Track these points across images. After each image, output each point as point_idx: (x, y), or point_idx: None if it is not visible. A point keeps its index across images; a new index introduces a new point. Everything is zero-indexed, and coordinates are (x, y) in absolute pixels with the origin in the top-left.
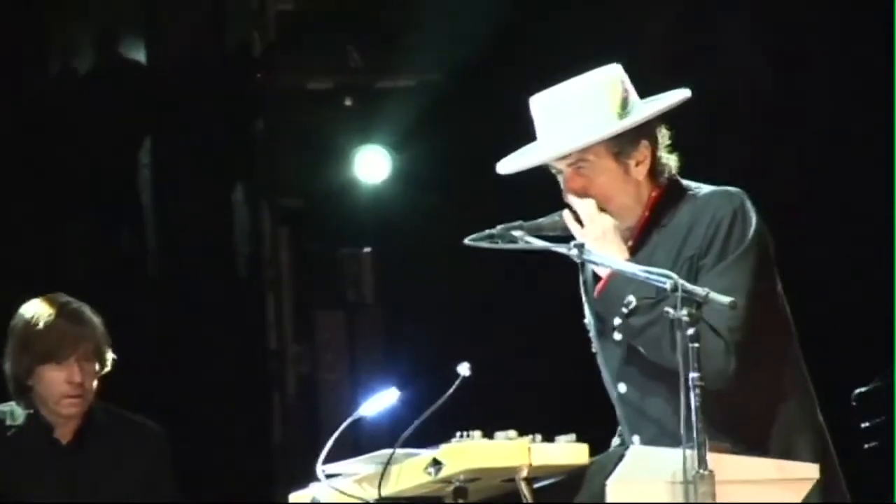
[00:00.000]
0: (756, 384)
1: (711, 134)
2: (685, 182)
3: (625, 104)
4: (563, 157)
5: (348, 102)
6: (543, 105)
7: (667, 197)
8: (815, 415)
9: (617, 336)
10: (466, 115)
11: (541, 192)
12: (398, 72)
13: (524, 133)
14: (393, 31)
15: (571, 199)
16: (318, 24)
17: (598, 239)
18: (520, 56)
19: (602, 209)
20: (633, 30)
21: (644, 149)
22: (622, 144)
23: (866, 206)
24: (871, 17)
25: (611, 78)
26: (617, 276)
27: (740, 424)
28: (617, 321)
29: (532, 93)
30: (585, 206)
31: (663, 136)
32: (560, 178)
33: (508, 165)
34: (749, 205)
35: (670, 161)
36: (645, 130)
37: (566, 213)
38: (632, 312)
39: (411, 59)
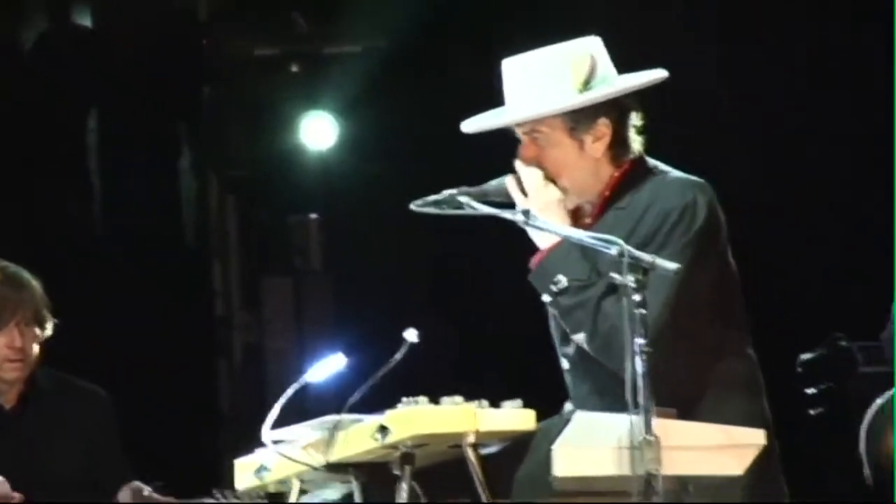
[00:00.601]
0: (694, 371)
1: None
2: (654, 164)
3: (588, 79)
4: (520, 125)
5: (294, 69)
6: (511, 70)
7: (628, 178)
8: (761, 401)
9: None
10: (413, 82)
11: (488, 159)
12: (344, 38)
13: (471, 99)
14: None
15: (519, 167)
16: None
17: (541, 211)
18: (465, 23)
19: (553, 181)
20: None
21: (603, 126)
22: (578, 120)
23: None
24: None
25: (579, 50)
26: (551, 254)
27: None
28: (546, 298)
29: (478, 60)
30: (531, 177)
31: (632, 115)
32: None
33: (469, 125)
34: (704, 199)
35: (636, 142)
36: (606, 108)
37: (509, 180)
38: (561, 292)
39: (357, 25)
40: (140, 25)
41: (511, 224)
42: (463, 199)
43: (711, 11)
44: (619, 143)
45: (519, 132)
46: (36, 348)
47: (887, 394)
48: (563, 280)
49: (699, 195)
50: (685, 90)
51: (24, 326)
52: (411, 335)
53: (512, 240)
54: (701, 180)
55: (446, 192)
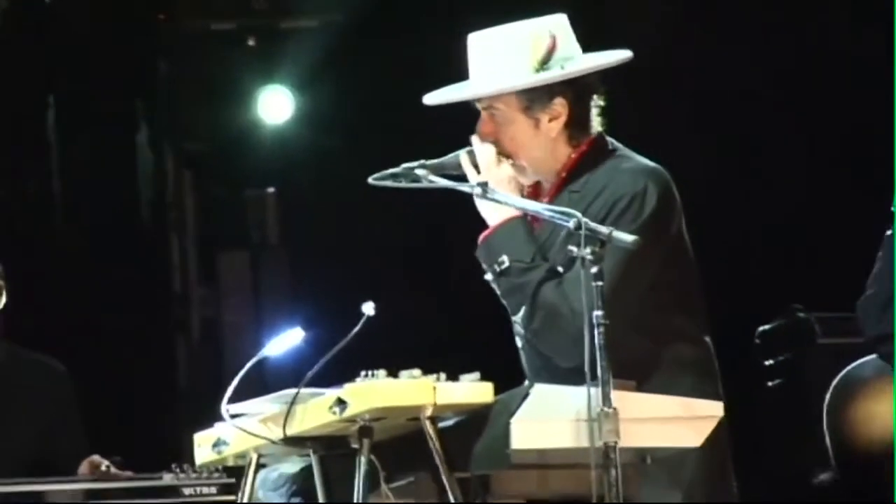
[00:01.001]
0: (643, 359)
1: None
2: (614, 146)
3: (546, 58)
4: (479, 101)
5: (251, 43)
6: (474, 44)
7: (585, 159)
8: (714, 383)
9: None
10: (369, 56)
11: (445, 132)
12: (301, 13)
13: (427, 73)
14: None
15: (475, 142)
16: None
17: (494, 188)
18: None
19: (510, 158)
20: None
21: (559, 106)
22: (533, 98)
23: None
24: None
25: (539, 29)
26: (496, 232)
27: None
28: (489, 276)
29: (435, 33)
30: (484, 154)
31: (594, 96)
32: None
33: (431, 98)
34: (655, 188)
35: (595, 124)
36: (563, 87)
37: (463, 155)
38: (503, 272)
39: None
40: (94, 0)
41: (469, 197)
42: (420, 172)
43: None
44: (576, 123)
45: (479, 107)
46: None
47: (847, 369)
48: (506, 260)
49: (650, 183)
50: (647, 68)
51: None
52: (368, 308)
53: (469, 213)
54: (656, 167)
55: (404, 166)
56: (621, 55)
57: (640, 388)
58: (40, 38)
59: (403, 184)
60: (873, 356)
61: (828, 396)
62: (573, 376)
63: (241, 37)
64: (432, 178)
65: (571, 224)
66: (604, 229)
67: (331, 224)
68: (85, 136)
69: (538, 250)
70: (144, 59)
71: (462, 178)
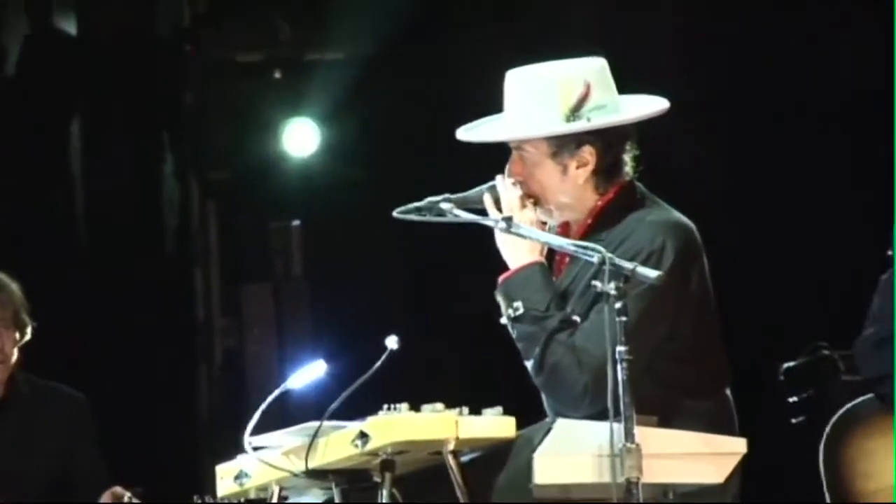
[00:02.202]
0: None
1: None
2: (642, 194)
3: (578, 107)
4: (507, 141)
5: (277, 75)
6: (510, 82)
7: (612, 207)
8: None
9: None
10: (395, 89)
11: (468, 166)
12: (327, 45)
13: (451, 106)
14: (322, 3)
15: (499, 183)
16: None
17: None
18: (447, 31)
19: (535, 199)
20: (566, 14)
21: (587, 154)
22: (561, 145)
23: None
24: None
25: (574, 74)
26: (513, 277)
27: None
28: (504, 319)
29: (459, 67)
30: (510, 196)
31: (626, 144)
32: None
33: (465, 134)
34: (673, 245)
35: (627, 168)
36: (591, 136)
37: (486, 194)
38: (518, 318)
39: (340, 32)
40: (123, 31)
41: (491, 231)
42: (445, 206)
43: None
44: (604, 171)
45: (511, 145)
46: (15, 352)
47: (846, 406)
48: (520, 306)
49: (669, 241)
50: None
51: (2, 329)
52: (392, 342)
53: (492, 246)
54: (679, 221)
55: (428, 199)
56: (658, 106)
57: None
58: (67, 68)
59: (428, 217)
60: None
61: (825, 433)
62: (595, 413)
63: (266, 69)
64: (457, 211)
65: (596, 258)
66: (628, 264)
67: (354, 256)
68: (110, 166)
69: (554, 298)
70: (171, 90)
71: (487, 213)
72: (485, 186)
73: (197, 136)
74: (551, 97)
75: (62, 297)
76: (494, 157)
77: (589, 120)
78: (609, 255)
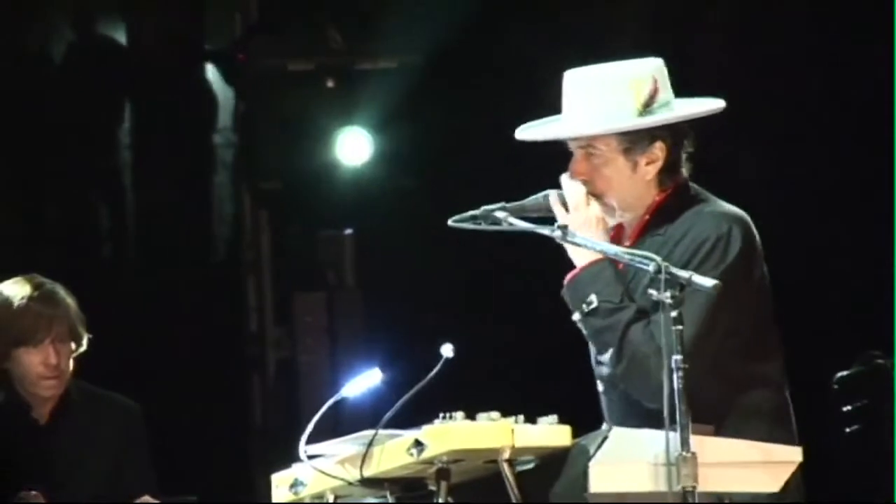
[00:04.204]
0: (720, 404)
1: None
2: (696, 190)
3: (649, 102)
4: (575, 139)
5: (329, 84)
6: (573, 82)
7: (670, 202)
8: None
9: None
10: (447, 97)
11: (522, 174)
12: (379, 53)
13: (506, 114)
14: (374, 12)
15: (564, 182)
16: (300, 6)
17: (581, 227)
18: (501, 39)
19: (599, 198)
20: (619, 21)
21: (658, 150)
22: (634, 141)
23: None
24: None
25: (642, 72)
26: (584, 272)
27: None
28: (577, 316)
29: (513, 75)
30: (575, 193)
31: (686, 141)
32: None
33: (524, 133)
34: (739, 231)
35: (684, 168)
36: (663, 132)
37: (553, 196)
38: (591, 312)
39: (393, 40)
40: (175, 40)
41: (547, 239)
42: (500, 214)
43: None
44: (669, 167)
45: (573, 146)
46: (70, 363)
47: None
48: (594, 300)
49: (735, 227)
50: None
51: (58, 343)
52: (447, 350)
53: (547, 255)
54: (739, 211)
55: (484, 208)
56: (718, 103)
57: (716, 433)
58: (119, 77)
59: (483, 226)
60: None
61: None
62: (654, 422)
63: (319, 77)
64: (512, 220)
65: (651, 268)
66: (684, 273)
67: (407, 265)
68: (162, 175)
69: (626, 291)
70: (223, 99)
71: (542, 221)
72: (540, 195)
73: (249, 145)
74: (624, 93)
75: (115, 309)
76: (548, 165)
77: (662, 112)
78: (664, 264)
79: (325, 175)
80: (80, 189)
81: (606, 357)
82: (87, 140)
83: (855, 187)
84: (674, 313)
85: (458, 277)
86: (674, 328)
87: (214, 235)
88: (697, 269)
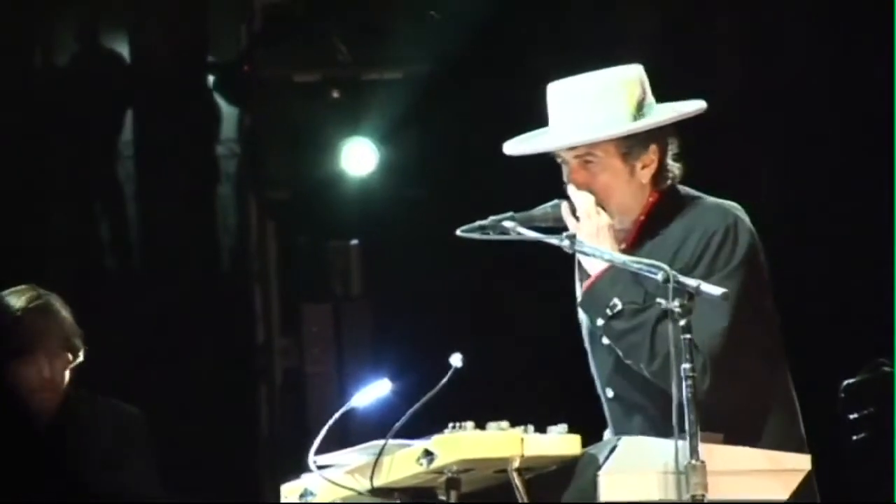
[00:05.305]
0: (736, 400)
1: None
2: (685, 190)
3: (640, 105)
4: (572, 149)
5: (335, 95)
6: (560, 93)
7: (662, 203)
8: (798, 427)
9: (606, 340)
10: (453, 108)
11: (527, 184)
12: (385, 64)
13: (510, 124)
14: (380, 23)
15: (572, 192)
16: (305, 17)
17: (592, 236)
18: (506, 49)
19: (600, 206)
20: (622, 29)
21: (652, 153)
22: (632, 145)
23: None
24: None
25: (630, 77)
26: (604, 277)
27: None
28: (600, 322)
29: (518, 86)
30: (584, 202)
31: (673, 143)
32: (564, 168)
33: (515, 147)
34: (743, 222)
35: (675, 169)
36: (656, 135)
37: (564, 206)
38: (616, 315)
39: (398, 51)
40: (180, 51)
41: (554, 249)
42: (509, 224)
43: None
44: (662, 169)
45: (568, 156)
46: (66, 375)
47: None
48: (618, 303)
49: (740, 217)
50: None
51: (52, 356)
52: (456, 360)
53: (554, 264)
54: (734, 204)
55: (492, 218)
56: (699, 104)
57: (728, 433)
58: (124, 88)
59: (492, 236)
60: None
61: None
62: (660, 430)
63: (324, 88)
64: (520, 230)
65: (660, 277)
66: (692, 282)
67: (413, 275)
68: (168, 185)
69: (646, 291)
70: (228, 110)
71: (550, 230)
72: (549, 204)
73: (255, 156)
74: (617, 99)
75: (123, 319)
76: (553, 174)
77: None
78: (673, 272)
79: (331, 185)
80: (85, 199)
81: (633, 360)
82: (92, 150)
83: (865, 191)
84: (682, 322)
85: (465, 287)
86: (682, 337)
87: (221, 246)
88: (711, 264)
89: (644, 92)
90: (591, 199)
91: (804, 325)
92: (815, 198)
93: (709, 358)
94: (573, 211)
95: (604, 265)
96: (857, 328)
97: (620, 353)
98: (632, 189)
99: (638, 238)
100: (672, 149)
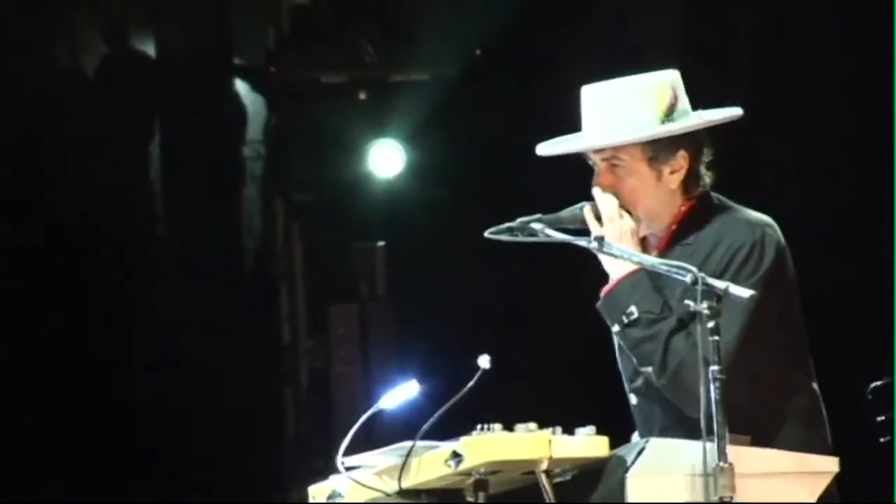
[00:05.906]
0: (759, 404)
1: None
2: (719, 199)
3: (670, 111)
4: (599, 151)
5: (362, 96)
6: (592, 96)
7: (695, 211)
8: (824, 431)
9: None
10: (480, 109)
11: (554, 186)
12: (412, 66)
13: (538, 126)
14: (406, 25)
15: (597, 194)
16: (332, 18)
17: (615, 240)
18: (532, 51)
19: (628, 210)
20: (644, 31)
21: (681, 159)
22: (658, 150)
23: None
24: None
25: (662, 82)
26: (622, 284)
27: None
28: (616, 328)
29: (544, 87)
30: (608, 205)
31: (706, 150)
32: (595, 171)
33: (546, 149)
34: (770, 237)
35: (707, 177)
36: (685, 140)
37: (587, 209)
38: (632, 323)
39: (425, 53)
40: (207, 53)
41: (581, 251)
42: (537, 226)
43: None
44: (692, 176)
45: (596, 158)
46: None
47: None
48: (635, 311)
49: (767, 233)
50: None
51: None
52: (484, 361)
53: (581, 266)
54: (767, 218)
55: (520, 220)
56: (735, 111)
57: (753, 438)
58: (151, 90)
59: (520, 238)
60: None
61: None
62: (688, 433)
63: (351, 90)
64: (549, 231)
65: (688, 279)
66: (720, 284)
67: (439, 277)
68: (194, 187)
69: (664, 301)
70: (255, 111)
71: (579, 232)
72: (577, 206)
73: (281, 156)
74: (645, 102)
75: (149, 320)
76: (580, 176)
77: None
78: (701, 274)
79: (357, 187)
80: (110, 202)
81: (648, 369)
82: (117, 151)
83: (887, 196)
84: (710, 324)
85: (491, 288)
86: (711, 339)
87: (247, 248)
88: (734, 277)
89: (675, 97)
90: (615, 202)
91: (831, 327)
92: (840, 201)
93: (724, 357)
94: (597, 214)
95: (625, 271)
96: (885, 331)
97: (634, 361)
98: (659, 194)
99: (668, 246)
100: (705, 156)
